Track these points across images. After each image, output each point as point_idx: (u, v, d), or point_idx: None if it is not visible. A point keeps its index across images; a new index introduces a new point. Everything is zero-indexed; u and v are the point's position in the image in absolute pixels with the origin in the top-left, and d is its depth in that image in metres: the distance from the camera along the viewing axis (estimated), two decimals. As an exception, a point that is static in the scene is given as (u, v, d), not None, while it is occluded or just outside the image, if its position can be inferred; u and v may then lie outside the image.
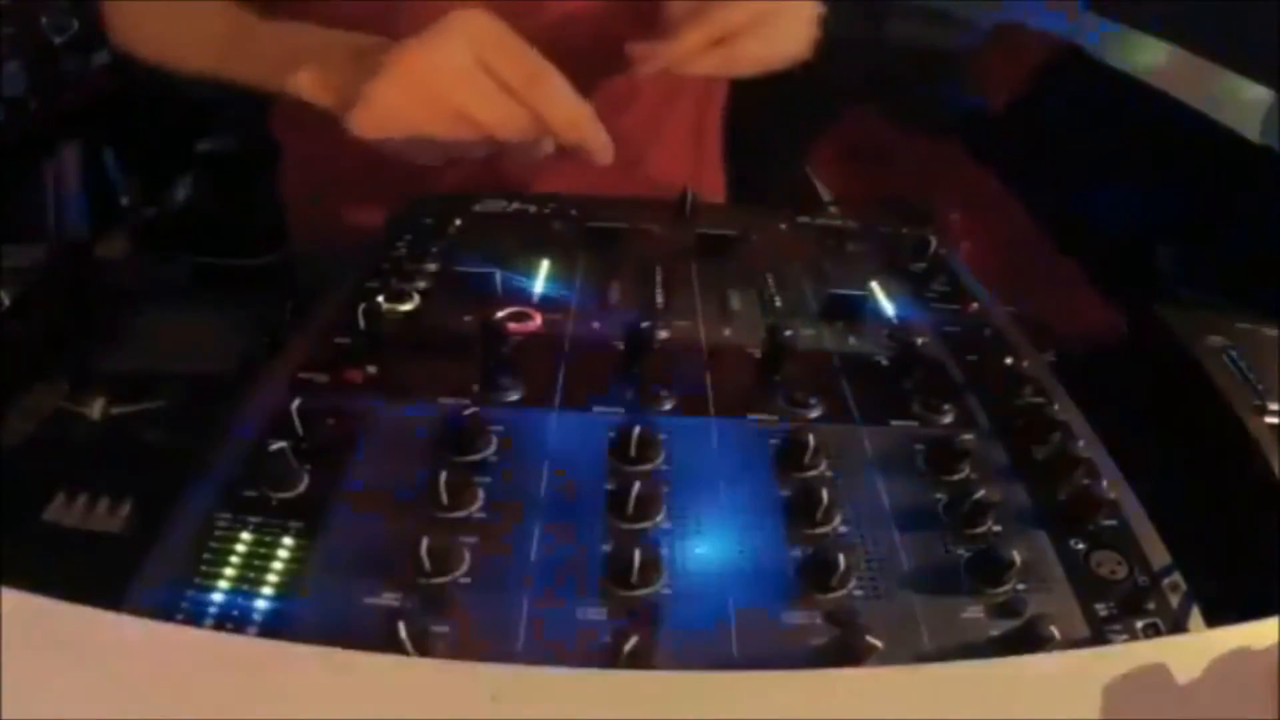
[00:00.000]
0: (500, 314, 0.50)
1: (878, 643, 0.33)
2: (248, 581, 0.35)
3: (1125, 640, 0.36)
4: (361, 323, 0.47)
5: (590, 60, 0.72)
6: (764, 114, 0.87)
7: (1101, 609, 0.37)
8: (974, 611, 0.37)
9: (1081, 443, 0.45)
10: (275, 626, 0.34)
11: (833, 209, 0.79)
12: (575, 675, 0.31)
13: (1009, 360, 0.50)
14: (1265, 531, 0.45)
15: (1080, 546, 0.40)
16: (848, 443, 0.44)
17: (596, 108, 0.56)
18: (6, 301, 0.52)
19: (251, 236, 1.04)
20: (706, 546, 0.38)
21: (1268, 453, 0.48)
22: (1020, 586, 0.38)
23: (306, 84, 0.57)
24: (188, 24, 0.67)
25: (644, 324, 0.47)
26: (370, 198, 0.70)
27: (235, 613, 0.34)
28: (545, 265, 0.55)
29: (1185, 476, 0.50)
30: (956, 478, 0.42)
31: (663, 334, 0.49)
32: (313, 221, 0.82)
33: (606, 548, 0.37)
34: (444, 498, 0.38)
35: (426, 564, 0.35)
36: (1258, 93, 0.94)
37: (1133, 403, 0.56)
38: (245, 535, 0.37)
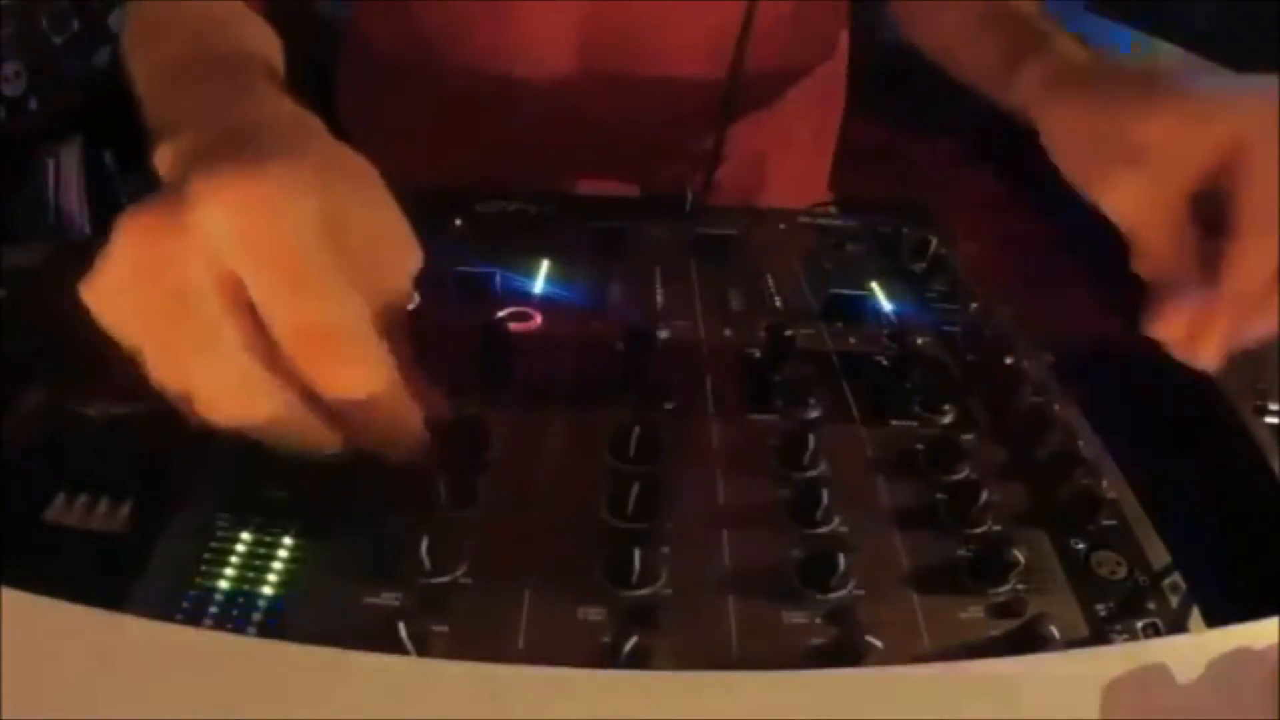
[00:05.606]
0: (500, 314, 0.50)
1: (878, 643, 0.33)
2: (248, 581, 0.35)
3: (1125, 640, 0.36)
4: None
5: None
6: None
7: (1101, 609, 0.37)
8: (974, 611, 0.37)
9: (1081, 443, 0.45)
10: (275, 626, 0.34)
11: (833, 209, 0.79)
12: (575, 675, 0.31)
13: (1009, 360, 0.50)
14: (1265, 531, 0.45)
15: (1080, 546, 0.40)
16: (848, 443, 0.44)
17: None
18: (7, 301, 0.52)
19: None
20: (706, 546, 0.38)
21: (1267, 453, 0.48)
22: (1020, 586, 0.37)
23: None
24: None
25: (644, 324, 0.47)
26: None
27: (235, 613, 0.34)
28: (545, 265, 0.55)
29: (1185, 476, 0.50)
30: (957, 478, 0.42)
31: (663, 334, 0.49)
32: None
33: (606, 548, 0.37)
34: (444, 498, 0.38)
35: (426, 564, 0.35)
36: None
37: (1133, 402, 0.56)
38: (245, 535, 0.37)
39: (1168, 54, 1.04)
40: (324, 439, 0.34)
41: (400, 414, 0.34)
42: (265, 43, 0.48)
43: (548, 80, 0.67)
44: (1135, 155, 0.40)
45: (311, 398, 0.32)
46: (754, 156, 0.75)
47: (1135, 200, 0.40)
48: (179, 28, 0.47)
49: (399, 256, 0.35)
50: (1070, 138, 0.45)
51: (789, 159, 0.80)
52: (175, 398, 0.32)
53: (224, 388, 0.31)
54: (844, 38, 0.81)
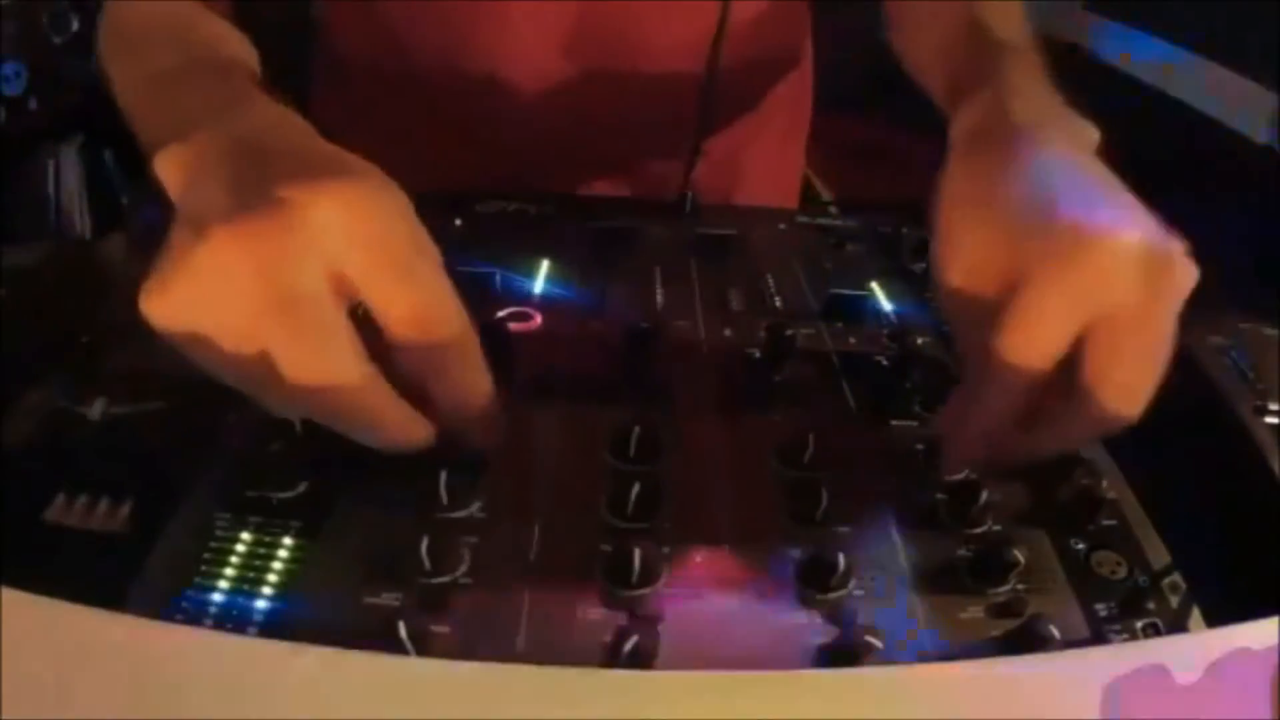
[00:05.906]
0: (500, 314, 0.50)
1: (878, 643, 0.33)
2: (248, 581, 0.35)
3: (1125, 640, 0.36)
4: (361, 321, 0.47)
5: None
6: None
7: (1101, 609, 0.37)
8: (974, 611, 0.37)
9: (1081, 442, 0.45)
10: (275, 626, 0.34)
11: (833, 209, 0.79)
12: (575, 675, 0.31)
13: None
14: (1265, 531, 0.45)
15: (1080, 546, 0.40)
16: (848, 443, 0.44)
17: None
18: (7, 301, 0.52)
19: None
20: (706, 547, 0.38)
21: (1268, 453, 0.48)
22: (1020, 586, 0.38)
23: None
24: None
25: (644, 324, 0.47)
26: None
27: (235, 613, 0.34)
28: (545, 265, 0.55)
29: (1185, 476, 0.50)
30: (956, 478, 0.42)
31: (663, 334, 0.49)
32: None
33: (606, 548, 0.37)
34: (444, 498, 0.38)
35: (426, 564, 0.35)
36: (1258, 93, 0.94)
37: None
38: (245, 535, 0.37)
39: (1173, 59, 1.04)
40: (417, 431, 0.35)
41: (491, 392, 0.36)
42: (241, 48, 0.48)
43: (529, 81, 0.67)
44: (961, 253, 0.39)
45: (406, 389, 0.34)
46: (729, 153, 0.75)
47: (950, 295, 0.40)
48: (159, 36, 0.47)
49: (431, 245, 0.36)
50: (942, 203, 0.42)
51: (763, 155, 0.81)
52: (267, 400, 0.33)
53: (333, 384, 0.32)
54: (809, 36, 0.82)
